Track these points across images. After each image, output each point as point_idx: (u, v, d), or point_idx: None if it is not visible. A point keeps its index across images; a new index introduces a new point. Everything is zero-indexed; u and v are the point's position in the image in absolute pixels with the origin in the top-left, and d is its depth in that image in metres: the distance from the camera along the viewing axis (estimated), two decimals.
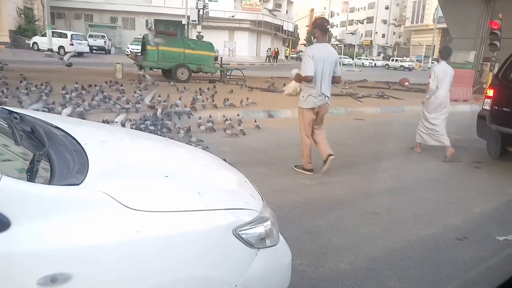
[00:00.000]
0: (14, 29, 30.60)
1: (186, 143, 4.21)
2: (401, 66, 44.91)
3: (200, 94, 9.59)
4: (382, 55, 64.64)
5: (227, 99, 9.05)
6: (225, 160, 2.95)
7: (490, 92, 5.93)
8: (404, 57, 53.62)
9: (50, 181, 1.33)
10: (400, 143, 7.24)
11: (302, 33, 79.24)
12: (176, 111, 7.45)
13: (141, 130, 5.61)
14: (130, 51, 26.31)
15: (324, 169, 4.86)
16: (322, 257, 2.96)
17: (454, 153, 5.96)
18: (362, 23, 73.53)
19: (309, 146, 4.92)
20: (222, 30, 38.74)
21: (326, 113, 5.03)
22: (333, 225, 3.53)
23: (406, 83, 17.45)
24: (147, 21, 40.07)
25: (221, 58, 18.54)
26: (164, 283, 1.35)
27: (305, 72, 4.64)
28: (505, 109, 5.58)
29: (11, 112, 2.02)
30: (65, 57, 8.63)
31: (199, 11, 28.96)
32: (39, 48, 26.90)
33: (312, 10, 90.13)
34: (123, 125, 5.72)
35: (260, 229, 1.66)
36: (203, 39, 21.36)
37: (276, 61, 41.88)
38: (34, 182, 1.26)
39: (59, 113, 5.78)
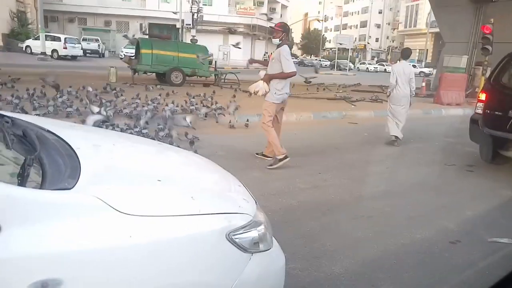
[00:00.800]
0: (7, 32, 30.45)
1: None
2: (421, 72, 39.26)
3: (194, 97, 9.59)
4: (375, 59, 65.04)
5: (216, 102, 9.04)
6: (196, 152, 2.96)
7: (483, 96, 5.98)
8: (398, 61, 53.96)
9: (41, 186, 1.32)
10: (394, 147, 7.27)
11: (297, 37, 79.51)
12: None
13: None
14: (124, 55, 26.25)
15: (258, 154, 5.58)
16: (316, 261, 2.96)
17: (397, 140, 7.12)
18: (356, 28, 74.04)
19: (276, 135, 5.32)
20: (217, 34, 38.80)
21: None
22: (327, 229, 3.53)
23: None
24: (141, 24, 40.01)
25: (215, 62, 18.55)
26: (156, 287, 1.34)
27: (292, 68, 5.17)
28: (497, 112, 5.63)
29: (2, 115, 2.00)
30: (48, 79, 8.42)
31: (193, 15, 29.00)
32: (32, 51, 26.77)
33: (306, 14, 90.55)
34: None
35: (253, 234, 1.65)
36: (197, 43, 21.36)
37: None
38: (25, 186, 1.25)
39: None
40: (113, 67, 13.72)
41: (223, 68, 18.44)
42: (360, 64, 50.68)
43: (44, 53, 23.56)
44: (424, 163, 6.13)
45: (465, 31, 17.47)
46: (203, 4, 32.77)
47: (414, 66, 47.77)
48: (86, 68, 17.73)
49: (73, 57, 27.33)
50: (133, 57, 15.81)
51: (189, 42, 25.47)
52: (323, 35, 73.47)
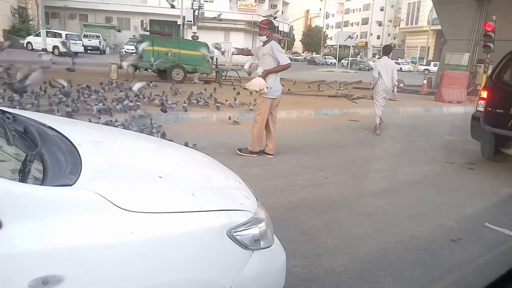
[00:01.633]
0: (8, 28, 30.39)
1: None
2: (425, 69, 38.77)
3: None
4: (376, 56, 64.89)
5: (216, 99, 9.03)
6: (186, 144, 2.96)
7: (484, 94, 5.97)
8: (399, 58, 53.83)
9: (42, 182, 1.32)
10: (395, 144, 7.27)
11: (298, 34, 79.37)
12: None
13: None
14: (125, 51, 26.20)
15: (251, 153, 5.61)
16: (317, 259, 2.96)
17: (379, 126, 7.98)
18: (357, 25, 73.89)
19: (262, 132, 5.59)
20: (218, 30, 38.71)
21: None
22: (327, 227, 3.54)
23: (401, 85, 17.50)
24: (142, 21, 39.96)
25: (217, 58, 18.50)
26: (158, 284, 1.34)
27: (287, 60, 5.40)
28: (498, 110, 5.62)
29: (3, 112, 2.00)
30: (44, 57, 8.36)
31: (194, 11, 28.93)
32: (33, 48, 26.73)
33: (308, 11, 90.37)
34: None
35: (254, 231, 1.65)
36: (198, 40, 21.32)
37: None
38: (26, 182, 1.25)
39: None
40: (114, 63, 13.69)
41: (224, 65, 18.37)
42: (373, 61, 50.08)
43: (45, 50, 23.51)
44: (425, 160, 6.12)
45: (467, 28, 17.42)
46: (204, 1, 32.67)
47: (421, 64, 47.48)
48: (87, 64, 17.70)
49: (74, 54, 27.28)
50: (134, 54, 15.76)
51: (190, 38, 25.43)
52: (324, 32, 73.27)
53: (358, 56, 58.37)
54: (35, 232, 1.13)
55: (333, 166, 5.41)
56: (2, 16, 29.12)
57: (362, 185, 4.81)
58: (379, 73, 7.71)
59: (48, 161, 1.47)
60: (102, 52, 33.46)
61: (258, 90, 5.40)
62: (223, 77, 15.72)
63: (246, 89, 5.96)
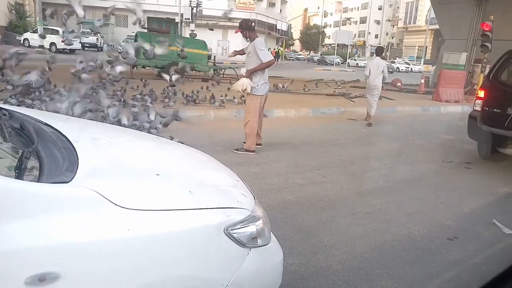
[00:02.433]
0: (5, 25, 30.25)
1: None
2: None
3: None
4: (374, 55, 64.88)
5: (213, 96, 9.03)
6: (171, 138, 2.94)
7: (481, 93, 5.98)
8: (397, 57, 53.85)
9: (39, 179, 1.31)
10: (392, 143, 7.28)
11: (296, 33, 79.34)
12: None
13: None
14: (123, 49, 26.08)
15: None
16: (314, 257, 2.96)
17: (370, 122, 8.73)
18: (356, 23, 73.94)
19: (256, 129, 5.64)
20: (216, 28, 38.62)
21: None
22: (325, 225, 3.54)
23: (399, 84, 17.56)
24: (140, 18, 39.81)
25: (214, 56, 18.49)
26: (155, 282, 1.34)
27: (270, 57, 5.50)
28: (495, 110, 5.63)
29: (0, 108, 1.99)
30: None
31: (192, 9, 28.88)
32: (30, 44, 26.61)
33: (306, 9, 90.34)
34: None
35: (251, 228, 1.65)
36: (196, 38, 21.28)
37: (277, 61, 41.93)
38: (22, 179, 1.24)
39: None
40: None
41: (222, 63, 18.37)
42: (392, 62, 48.49)
43: (42, 46, 23.42)
44: (422, 159, 6.13)
45: (465, 28, 17.44)
46: None
47: (415, 65, 47.04)
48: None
49: (71, 51, 27.17)
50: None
51: (188, 36, 25.38)
52: (323, 30, 73.27)
53: (356, 55, 58.28)
54: (31, 229, 1.13)
55: (330, 165, 5.42)
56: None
57: (359, 183, 4.82)
58: (370, 71, 8.59)
59: (44, 158, 1.46)
60: (100, 49, 33.32)
61: (241, 90, 5.51)
62: (221, 75, 15.70)
63: (232, 90, 6.03)
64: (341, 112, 10.09)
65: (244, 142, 5.73)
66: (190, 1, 28.88)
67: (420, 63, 47.65)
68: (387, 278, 2.77)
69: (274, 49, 43.72)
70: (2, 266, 1.07)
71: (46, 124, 1.90)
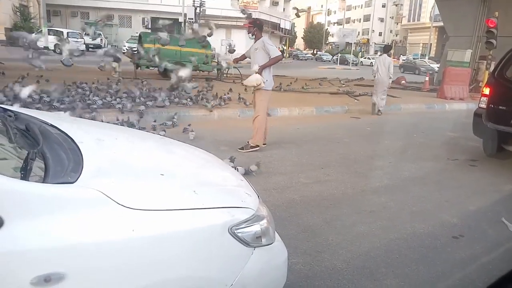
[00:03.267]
0: (10, 26, 30.41)
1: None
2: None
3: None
4: (378, 53, 64.62)
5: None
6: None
7: (487, 90, 5.94)
8: (401, 55, 53.56)
9: (44, 180, 1.32)
10: (396, 141, 7.25)
11: (299, 31, 79.19)
12: None
13: None
14: (127, 49, 26.16)
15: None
16: (319, 256, 2.96)
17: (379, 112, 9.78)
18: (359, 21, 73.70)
19: (265, 124, 5.79)
20: (219, 28, 38.63)
21: None
22: (329, 224, 3.54)
23: (403, 82, 17.49)
24: (143, 19, 39.96)
25: (218, 56, 18.47)
26: (160, 281, 1.34)
27: (278, 52, 5.72)
28: (501, 107, 5.60)
29: (5, 110, 2.00)
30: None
31: (196, 9, 28.90)
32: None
33: (309, 8, 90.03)
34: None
35: (256, 228, 1.65)
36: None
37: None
38: (28, 180, 1.25)
39: None
40: (115, 61, 13.68)
41: (226, 62, 18.34)
42: (364, 58, 48.96)
43: (47, 48, 23.50)
44: (427, 157, 6.10)
45: (469, 25, 17.33)
46: None
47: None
48: (89, 62, 17.70)
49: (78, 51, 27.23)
50: (135, 51, 15.75)
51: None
52: (326, 29, 73.07)
53: (360, 53, 58.04)
54: (37, 230, 1.14)
55: (335, 163, 5.41)
56: (4, 14, 29.15)
57: (364, 182, 4.80)
58: (377, 68, 9.52)
59: (49, 159, 1.47)
60: None
61: (255, 85, 5.57)
62: (225, 75, 15.70)
63: (245, 85, 6.09)
64: (345, 111, 10.07)
65: (248, 142, 5.77)
66: (194, 1, 28.89)
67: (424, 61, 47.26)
68: (392, 276, 2.76)
69: (278, 48, 43.57)
70: (8, 266, 1.08)
71: (51, 125, 1.92)
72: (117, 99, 7.92)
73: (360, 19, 76.43)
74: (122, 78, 10.71)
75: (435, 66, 34.04)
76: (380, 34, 73.14)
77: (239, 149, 5.66)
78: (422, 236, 3.42)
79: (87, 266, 1.20)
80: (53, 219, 1.17)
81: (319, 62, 46.05)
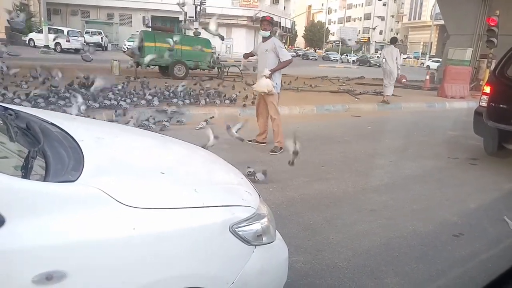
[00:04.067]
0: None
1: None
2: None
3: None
4: (379, 52, 64.48)
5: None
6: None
7: (487, 89, 5.94)
8: (402, 53, 53.43)
9: (45, 178, 1.32)
10: (397, 140, 7.26)
11: (300, 30, 79.11)
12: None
13: None
14: (127, 48, 26.14)
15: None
16: (319, 254, 2.96)
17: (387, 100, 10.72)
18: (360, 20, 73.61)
19: (267, 124, 5.90)
20: (220, 26, 38.54)
21: None
22: (330, 222, 3.54)
23: (403, 80, 17.46)
24: (144, 17, 39.87)
25: (218, 54, 18.47)
26: (161, 279, 1.34)
27: (289, 56, 5.64)
28: (501, 105, 5.59)
29: (6, 108, 2.00)
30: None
31: (196, 7, 28.84)
32: (35, 44, 26.74)
33: (310, 6, 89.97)
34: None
35: (256, 226, 1.65)
36: (200, 36, 21.29)
37: None
38: (29, 179, 1.25)
39: None
40: (116, 60, 13.69)
41: (226, 61, 18.34)
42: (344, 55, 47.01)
43: (47, 46, 23.52)
44: (428, 156, 6.10)
45: (470, 23, 17.29)
46: None
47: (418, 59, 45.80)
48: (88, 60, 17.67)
49: (76, 50, 27.25)
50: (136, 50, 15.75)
51: (192, 35, 25.36)
52: (327, 27, 72.98)
53: (360, 52, 57.92)
54: (38, 228, 1.14)
55: (335, 162, 5.41)
56: (4, 13, 29.13)
57: (365, 180, 4.80)
58: (384, 58, 10.48)
59: (50, 157, 1.47)
60: (104, 48, 33.41)
61: (266, 91, 5.50)
62: (225, 73, 15.70)
63: (255, 90, 5.98)
64: (346, 109, 10.06)
65: (250, 140, 5.83)
66: (194, 0, 28.85)
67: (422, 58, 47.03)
68: (392, 275, 2.77)
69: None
70: (10, 265, 1.08)
71: (51, 123, 1.92)
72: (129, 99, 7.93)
73: (360, 17, 76.36)
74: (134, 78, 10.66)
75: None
76: (380, 32, 72.99)
77: (270, 152, 5.63)
78: (423, 235, 3.42)
79: (88, 265, 1.20)
80: (54, 218, 1.18)
81: (326, 61, 44.09)
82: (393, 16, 73.66)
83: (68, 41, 26.60)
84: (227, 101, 8.73)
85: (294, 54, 46.55)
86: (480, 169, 5.54)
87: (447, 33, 21.07)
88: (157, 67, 15.03)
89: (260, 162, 5.16)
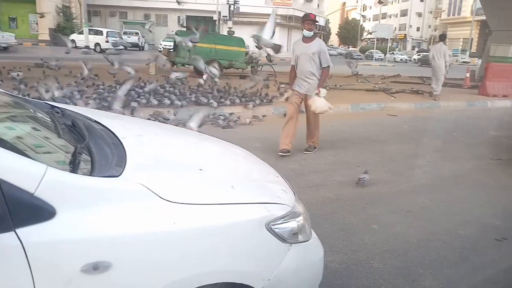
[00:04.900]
0: (54, 27, 31.77)
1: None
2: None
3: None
4: (416, 49, 62.67)
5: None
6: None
7: None
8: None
9: (91, 173, 1.38)
10: (435, 139, 7.04)
11: (334, 28, 78.16)
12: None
13: None
14: (163, 48, 26.70)
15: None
16: (354, 255, 2.93)
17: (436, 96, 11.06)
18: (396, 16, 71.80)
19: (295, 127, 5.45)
20: (253, 25, 38.73)
21: None
22: (365, 223, 3.49)
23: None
24: (179, 17, 40.58)
25: (252, 53, 18.53)
26: (199, 274, 1.37)
27: (330, 62, 5.27)
28: None
29: (53, 106, 2.10)
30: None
31: (230, 6, 29.07)
32: (77, 45, 27.79)
33: (344, 4, 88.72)
34: None
35: (292, 224, 1.66)
36: (234, 35, 21.42)
37: None
38: (76, 173, 1.31)
39: None
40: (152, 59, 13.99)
41: (260, 60, 18.35)
42: (388, 54, 45.00)
43: (87, 47, 24.38)
44: (468, 156, 5.88)
45: None
46: None
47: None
48: (127, 61, 18.18)
49: (116, 50, 28.10)
50: (171, 50, 16.06)
51: (226, 34, 25.59)
52: (361, 25, 71.63)
53: (396, 49, 56.39)
54: (86, 220, 1.19)
55: (371, 162, 5.31)
56: (48, 15, 30.48)
57: (401, 181, 4.69)
58: (433, 55, 10.70)
59: (95, 153, 1.53)
60: (141, 48, 34.25)
61: (328, 109, 5.31)
62: (259, 72, 15.72)
63: (319, 113, 5.42)
64: (382, 108, 9.85)
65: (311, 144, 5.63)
66: None
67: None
68: (430, 278, 2.70)
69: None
70: (61, 254, 1.14)
71: (95, 121, 2.00)
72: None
73: (397, 14, 74.36)
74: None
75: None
76: (418, 29, 70.91)
77: (304, 151, 5.53)
78: (462, 238, 3.31)
79: (131, 257, 1.24)
80: (100, 210, 1.23)
81: (370, 60, 40.18)
82: (431, 12, 71.31)
83: (107, 41, 27.45)
84: (263, 100, 8.78)
85: (335, 52, 45.38)
86: None
87: (489, 29, 20.20)
88: (191, 66, 15.25)
89: (293, 161, 5.16)
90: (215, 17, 32.66)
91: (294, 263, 1.66)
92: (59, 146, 1.58)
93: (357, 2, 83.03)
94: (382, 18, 68.64)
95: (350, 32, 70.96)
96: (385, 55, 41.28)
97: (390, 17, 74.03)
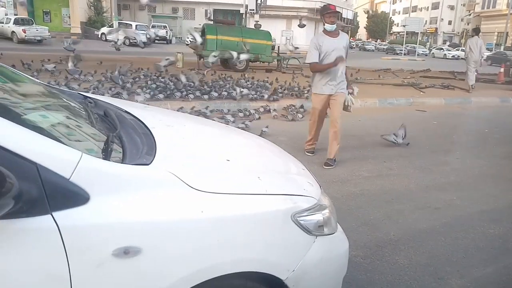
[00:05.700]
0: (85, 20, 32.56)
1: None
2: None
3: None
4: (447, 43, 60.80)
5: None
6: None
7: None
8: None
9: (122, 161, 1.42)
10: (465, 136, 6.86)
11: (362, 21, 76.76)
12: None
13: None
14: (190, 41, 26.91)
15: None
16: (379, 250, 2.91)
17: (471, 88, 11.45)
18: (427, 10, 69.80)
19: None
20: (280, 18, 38.50)
21: None
22: (391, 218, 3.45)
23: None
24: (206, 11, 40.86)
25: (278, 47, 18.45)
26: (225, 262, 1.40)
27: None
28: None
29: (86, 97, 2.17)
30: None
31: (256, 0, 28.95)
32: (107, 38, 28.37)
33: None
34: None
35: (318, 217, 1.66)
36: (260, 28, 21.39)
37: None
38: (109, 161, 1.35)
39: None
40: (180, 53, 14.16)
41: (286, 53, 18.25)
42: (436, 49, 42.28)
43: (115, 42, 24.84)
44: (500, 154, 5.70)
45: None
46: None
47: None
48: (155, 54, 18.48)
49: (144, 44, 28.51)
50: (191, 42, 16.17)
51: (253, 27, 25.55)
52: (391, 17, 70.06)
53: (427, 44, 54.92)
54: (118, 206, 1.23)
55: (398, 157, 5.23)
56: (80, 9, 31.28)
57: (429, 177, 4.60)
58: (470, 48, 11.09)
59: (126, 142, 1.58)
60: (169, 41, 34.64)
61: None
62: (285, 66, 15.67)
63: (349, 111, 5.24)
64: (410, 103, 9.66)
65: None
66: None
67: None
68: (457, 276, 2.65)
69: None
70: (94, 237, 1.18)
71: (125, 111, 2.05)
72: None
73: (427, 7, 72.24)
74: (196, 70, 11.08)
75: None
76: (449, 23, 68.71)
77: (324, 166, 4.74)
78: (492, 237, 3.23)
79: (161, 243, 1.28)
80: (131, 197, 1.27)
81: (390, 54, 39.56)
82: (464, 5, 68.92)
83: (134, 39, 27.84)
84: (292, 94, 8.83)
85: (372, 47, 44.78)
86: None
87: None
88: (219, 59, 15.33)
89: (318, 155, 5.13)
90: (242, 10, 32.58)
91: (319, 255, 1.66)
92: (91, 134, 1.64)
93: None
94: (412, 11, 66.93)
95: (379, 25, 69.52)
96: (430, 51, 38.90)
97: (421, 10, 72.03)
